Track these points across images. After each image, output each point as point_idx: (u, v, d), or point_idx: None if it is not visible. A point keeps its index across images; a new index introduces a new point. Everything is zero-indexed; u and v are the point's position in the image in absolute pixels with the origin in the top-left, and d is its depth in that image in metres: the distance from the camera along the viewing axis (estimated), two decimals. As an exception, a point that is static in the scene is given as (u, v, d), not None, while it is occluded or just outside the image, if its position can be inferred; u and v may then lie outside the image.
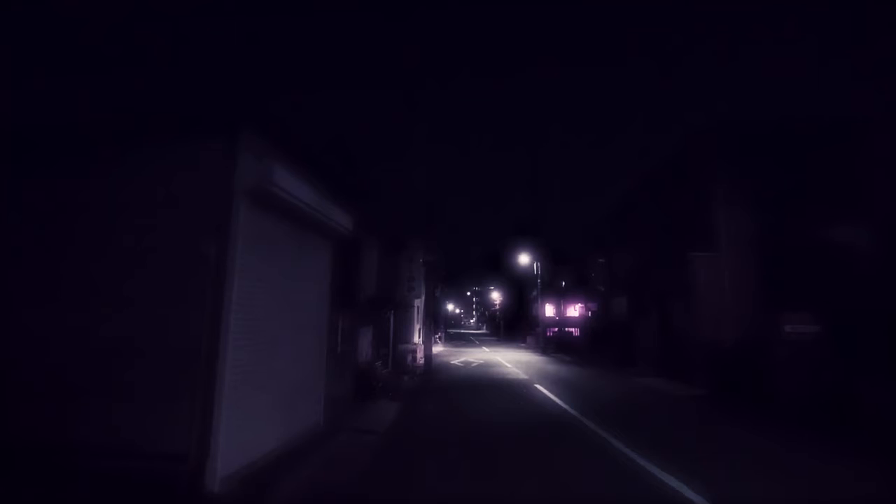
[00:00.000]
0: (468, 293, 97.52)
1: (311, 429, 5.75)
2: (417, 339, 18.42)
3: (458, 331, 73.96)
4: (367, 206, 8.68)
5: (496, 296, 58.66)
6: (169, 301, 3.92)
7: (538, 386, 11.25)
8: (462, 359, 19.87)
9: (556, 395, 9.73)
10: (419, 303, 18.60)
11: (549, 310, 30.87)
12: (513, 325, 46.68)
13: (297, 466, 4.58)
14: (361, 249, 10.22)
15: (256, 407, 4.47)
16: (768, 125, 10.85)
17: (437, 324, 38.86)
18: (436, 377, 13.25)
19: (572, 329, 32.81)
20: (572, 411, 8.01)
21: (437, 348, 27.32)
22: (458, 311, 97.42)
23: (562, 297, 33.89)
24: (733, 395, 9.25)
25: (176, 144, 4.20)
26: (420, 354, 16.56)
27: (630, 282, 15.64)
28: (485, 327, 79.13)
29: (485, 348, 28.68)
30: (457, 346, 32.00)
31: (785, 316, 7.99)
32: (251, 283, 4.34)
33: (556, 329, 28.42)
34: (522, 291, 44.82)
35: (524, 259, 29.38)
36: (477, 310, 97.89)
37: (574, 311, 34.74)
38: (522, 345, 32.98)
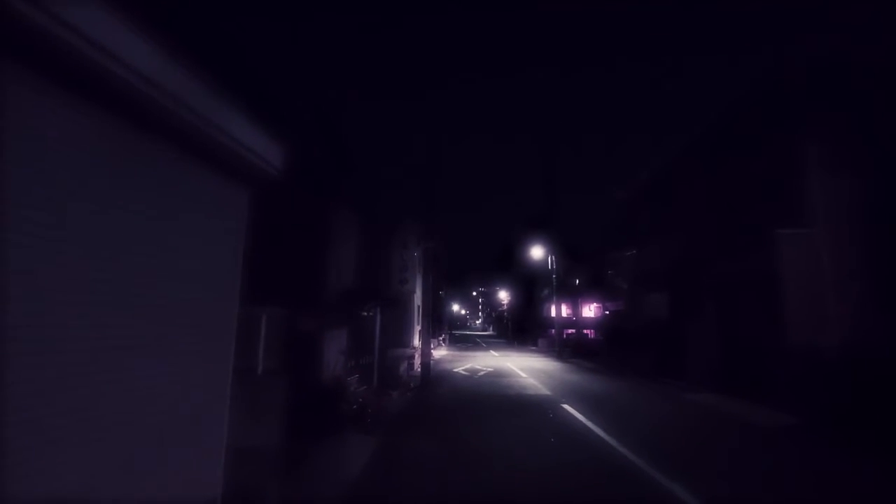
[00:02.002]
0: (474, 293, 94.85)
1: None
2: (417, 342, 15.82)
3: (463, 332, 71.23)
4: (323, 144, 6.13)
5: (503, 295, 55.96)
6: None
7: (567, 406, 8.56)
8: (468, 365, 17.20)
9: (596, 424, 7.04)
10: (418, 300, 15.99)
11: (564, 310, 28.12)
12: (522, 327, 43.96)
13: None
14: (331, 223, 7.65)
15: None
16: (882, 56, 8.05)
17: (441, 325, 36.27)
18: (434, 392, 10.61)
19: (588, 331, 30.08)
20: (631, 455, 5.34)
21: (441, 352, 24.67)
22: (463, 311, 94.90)
23: (576, 297, 31.12)
24: (847, 426, 6.53)
25: None
26: (417, 362, 13.94)
27: (672, 273, 12.90)
28: (491, 328, 76.37)
29: (493, 352, 25.98)
30: (462, 349, 29.34)
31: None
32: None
33: (574, 331, 25.66)
34: (532, 291, 42.08)
35: (536, 254, 26.60)
36: (483, 310, 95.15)
37: (589, 311, 31.98)
38: (533, 348, 30.23)
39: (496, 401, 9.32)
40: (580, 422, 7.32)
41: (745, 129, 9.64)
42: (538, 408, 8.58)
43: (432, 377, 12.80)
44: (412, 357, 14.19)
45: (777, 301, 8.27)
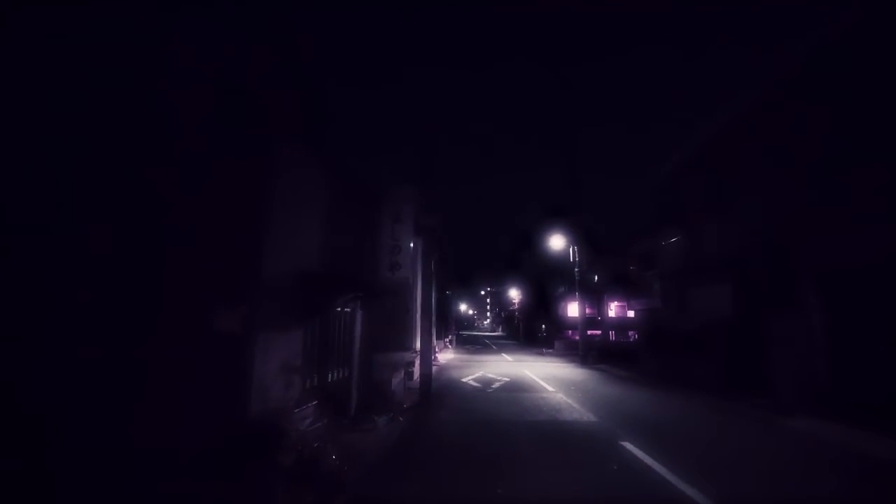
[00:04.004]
0: (482, 292, 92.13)
1: None
2: (419, 345, 13.12)
3: (471, 333, 68.44)
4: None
5: (514, 294, 53.12)
6: None
7: (632, 447, 5.77)
8: (478, 374, 14.46)
9: (700, 490, 4.26)
10: (418, 295, 13.28)
11: (584, 309, 25.25)
12: (534, 327, 41.16)
13: None
14: (280, 171, 5.00)
15: None
16: None
17: (448, 326, 33.58)
18: (437, 416, 7.88)
19: (610, 332, 27.23)
20: None
21: (447, 355, 21.96)
22: (471, 311, 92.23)
23: (599, 294, 28.24)
24: None
25: None
26: (418, 371, 11.24)
27: (741, 258, 10.05)
28: (500, 329, 73.57)
29: (505, 356, 23.18)
30: (470, 352, 26.57)
31: None
32: None
33: (599, 332, 22.75)
34: (545, 289, 39.24)
35: (556, 244, 23.59)
36: (491, 310, 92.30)
37: (611, 310, 29.10)
38: (549, 351, 27.34)
39: (523, 434, 6.55)
40: (668, 482, 4.55)
41: (869, 47, 6.74)
42: (588, 449, 5.80)
43: (435, 391, 10.12)
44: (412, 364, 11.50)
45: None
